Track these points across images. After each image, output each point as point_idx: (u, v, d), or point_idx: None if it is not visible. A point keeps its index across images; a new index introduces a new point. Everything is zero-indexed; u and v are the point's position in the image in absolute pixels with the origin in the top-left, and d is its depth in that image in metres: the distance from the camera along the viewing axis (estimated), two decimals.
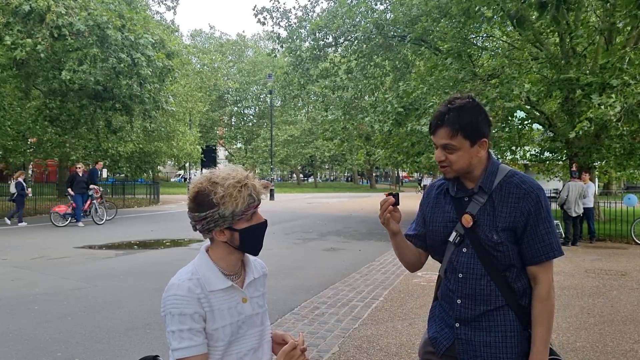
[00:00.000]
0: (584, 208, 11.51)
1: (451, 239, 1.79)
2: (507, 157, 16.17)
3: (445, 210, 1.83)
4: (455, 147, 1.71)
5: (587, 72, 11.08)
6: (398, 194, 1.81)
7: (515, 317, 1.71)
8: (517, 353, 1.70)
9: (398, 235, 1.86)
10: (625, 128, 10.85)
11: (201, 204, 1.44)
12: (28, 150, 24.46)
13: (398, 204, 1.80)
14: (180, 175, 63.50)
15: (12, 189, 15.04)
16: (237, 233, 1.47)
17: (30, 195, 16.51)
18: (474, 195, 1.76)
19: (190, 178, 39.43)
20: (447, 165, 1.75)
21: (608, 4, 10.54)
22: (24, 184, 15.12)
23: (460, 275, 1.76)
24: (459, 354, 1.77)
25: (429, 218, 1.90)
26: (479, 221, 1.72)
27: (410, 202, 13.43)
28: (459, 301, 1.77)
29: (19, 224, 14.51)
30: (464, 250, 1.76)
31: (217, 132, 57.20)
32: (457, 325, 1.77)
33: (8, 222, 14.52)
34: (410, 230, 1.99)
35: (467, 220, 1.74)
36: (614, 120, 9.79)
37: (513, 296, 1.71)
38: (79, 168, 15.13)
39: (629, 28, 11.02)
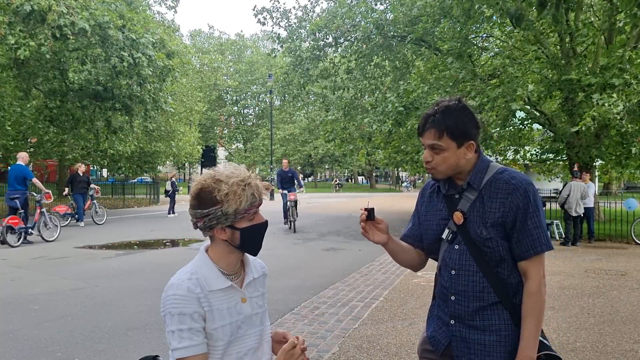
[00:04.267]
0: (585, 208, 11.52)
1: (444, 236, 1.81)
2: (509, 158, 16.16)
3: (438, 209, 1.86)
4: (441, 147, 1.73)
5: (587, 72, 11.07)
6: (373, 209, 1.87)
7: (509, 317, 1.71)
8: (511, 352, 1.70)
9: (387, 244, 1.89)
10: (630, 127, 10.82)
11: (204, 201, 1.45)
12: (28, 150, 24.45)
13: (373, 218, 1.86)
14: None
15: (168, 187, 18.70)
16: (238, 232, 1.48)
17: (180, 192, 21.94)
18: (464, 192, 1.78)
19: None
20: (433, 167, 1.77)
21: (609, 4, 10.53)
22: (176, 183, 19.14)
23: (453, 272, 1.78)
24: (454, 351, 1.78)
25: (424, 217, 1.93)
26: (469, 218, 1.74)
27: (411, 202, 13.39)
28: (452, 298, 1.79)
29: (170, 215, 17.84)
30: (456, 247, 1.78)
31: (217, 132, 57.20)
32: (452, 322, 1.79)
33: (170, 215, 17.81)
34: (406, 231, 2.01)
35: (458, 217, 1.76)
36: (618, 118, 9.79)
37: (506, 293, 1.71)
38: (80, 168, 15.15)
39: (628, 28, 11.01)
